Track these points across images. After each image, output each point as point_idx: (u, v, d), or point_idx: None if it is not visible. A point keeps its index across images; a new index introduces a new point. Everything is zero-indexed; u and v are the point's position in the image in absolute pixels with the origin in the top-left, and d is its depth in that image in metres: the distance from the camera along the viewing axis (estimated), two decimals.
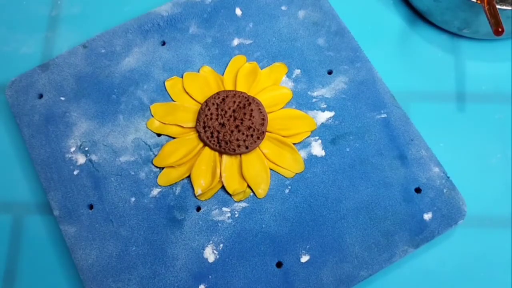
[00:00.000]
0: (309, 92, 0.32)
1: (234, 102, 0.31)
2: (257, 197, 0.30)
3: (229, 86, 0.32)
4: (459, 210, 0.29)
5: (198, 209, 0.30)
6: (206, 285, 0.29)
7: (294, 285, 0.28)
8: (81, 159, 0.31)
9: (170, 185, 0.31)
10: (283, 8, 0.34)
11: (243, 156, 0.31)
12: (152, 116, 0.32)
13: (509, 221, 0.31)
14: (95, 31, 0.36)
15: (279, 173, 0.30)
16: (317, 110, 0.32)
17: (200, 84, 0.33)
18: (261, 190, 0.30)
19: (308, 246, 0.29)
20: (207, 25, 0.34)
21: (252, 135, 0.30)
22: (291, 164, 0.30)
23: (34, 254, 0.31)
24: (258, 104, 0.31)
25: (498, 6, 0.31)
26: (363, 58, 0.33)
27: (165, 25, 0.34)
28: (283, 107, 0.32)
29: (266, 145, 0.31)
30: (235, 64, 0.33)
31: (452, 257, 0.30)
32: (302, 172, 0.30)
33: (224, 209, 0.30)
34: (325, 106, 0.32)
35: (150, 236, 0.30)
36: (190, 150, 0.31)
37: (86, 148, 0.32)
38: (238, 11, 0.34)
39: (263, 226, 0.29)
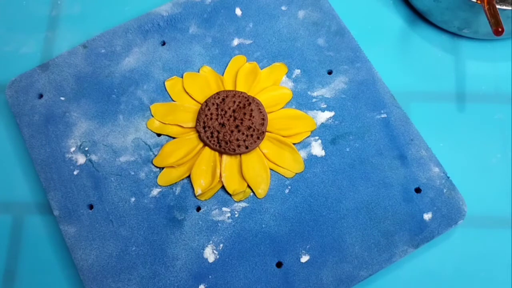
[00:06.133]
0: (309, 92, 0.32)
1: (234, 102, 0.31)
2: (257, 197, 0.30)
3: (229, 86, 0.32)
4: (459, 210, 0.29)
5: (198, 209, 0.30)
6: (206, 285, 0.29)
7: (294, 285, 0.28)
8: (81, 159, 0.31)
9: (170, 185, 0.31)
10: (283, 8, 0.34)
11: (243, 156, 0.31)
12: (152, 116, 0.32)
13: (509, 221, 0.31)
14: (95, 31, 0.36)
15: (279, 173, 0.30)
16: (317, 110, 0.32)
17: (200, 84, 0.33)
18: (261, 190, 0.30)
19: (308, 246, 0.29)
20: (207, 25, 0.34)
21: (252, 135, 0.30)
22: (291, 164, 0.30)
23: (34, 254, 0.31)
24: (258, 104, 0.31)
25: (498, 6, 0.31)
26: (363, 58, 0.33)
27: (165, 25, 0.34)
28: (283, 107, 0.32)
29: (266, 145, 0.31)
30: (235, 64, 0.33)
31: (452, 257, 0.30)
32: (302, 172, 0.30)
33: (224, 209, 0.30)
34: (325, 106, 0.32)
35: (150, 236, 0.30)
36: (190, 150, 0.31)
37: (86, 148, 0.32)
38: (238, 11, 0.34)
39: (263, 226, 0.29)
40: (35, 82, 0.33)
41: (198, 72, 0.33)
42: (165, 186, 0.31)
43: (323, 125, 0.31)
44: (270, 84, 0.33)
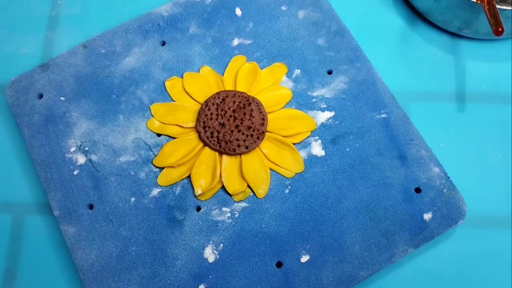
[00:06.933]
0: (309, 92, 0.32)
1: (234, 102, 0.31)
2: (257, 197, 0.30)
3: (229, 86, 0.32)
4: (459, 210, 0.29)
5: (198, 209, 0.30)
6: (206, 285, 0.29)
7: (294, 285, 0.28)
8: (81, 159, 0.31)
9: (170, 185, 0.31)
10: (283, 8, 0.34)
11: (243, 156, 0.31)
12: (152, 116, 0.32)
13: (509, 221, 0.31)
14: (95, 31, 0.36)
15: (279, 173, 0.30)
16: (317, 110, 0.32)
17: (200, 84, 0.33)
18: (261, 190, 0.30)
19: (308, 246, 0.29)
20: (207, 25, 0.34)
21: (252, 135, 0.30)
22: (291, 164, 0.30)
23: (34, 254, 0.31)
24: (258, 104, 0.31)
25: (498, 6, 0.31)
26: (363, 58, 0.33)
27: (165, 25, 0.34)
28: (283, 107, 0.32)
29: (266, 145, 0.31)
30: (235, 64, 0.33)
31: (452, 257, 0.30)
32: (302, 172, 0.30)
33: (224, 209, 0.30)
34: (325, 106, 0.32)
35: (150, 236, 0.30)
36: (190, 150, 0.31)
37: (86, 148, 0.32)
38: (238, 11, 0.34)
39: (263, 226, 0.29)
40: (35, 82, 0.33)
41: (198, 72, 0.33)
42: (165, 186, 0.31)
43: (323, 125, 0.31)
44: (270, 84, 0.33)
